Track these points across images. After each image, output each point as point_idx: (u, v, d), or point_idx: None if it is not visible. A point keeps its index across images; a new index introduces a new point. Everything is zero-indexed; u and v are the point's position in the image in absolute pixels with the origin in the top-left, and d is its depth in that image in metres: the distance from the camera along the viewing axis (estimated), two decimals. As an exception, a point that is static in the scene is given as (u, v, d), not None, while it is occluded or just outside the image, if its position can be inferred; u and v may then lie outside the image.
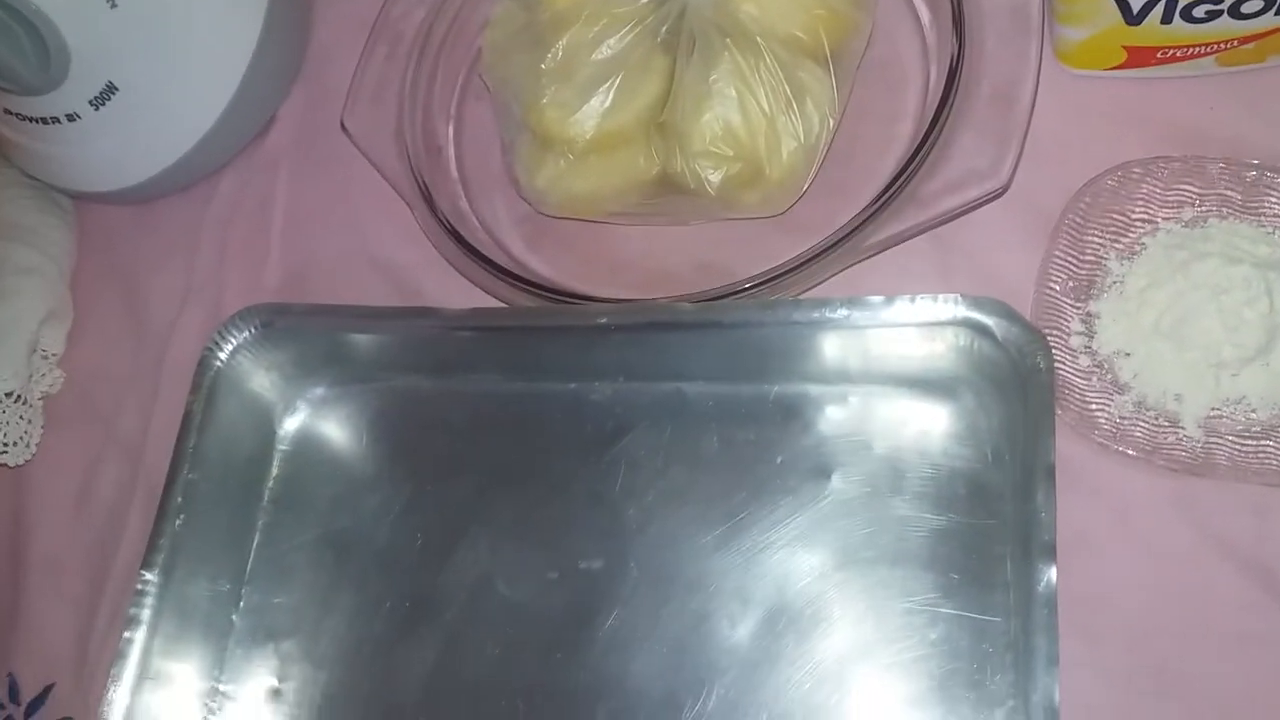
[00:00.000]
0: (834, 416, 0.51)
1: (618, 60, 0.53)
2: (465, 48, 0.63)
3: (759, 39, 0.52)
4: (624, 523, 0.51)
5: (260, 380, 0.56)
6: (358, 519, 0.54)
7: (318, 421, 0.57)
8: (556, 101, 0.53)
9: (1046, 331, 0.48)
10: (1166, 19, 0.50)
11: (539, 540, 0.52)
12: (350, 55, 0.62)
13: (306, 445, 0.57)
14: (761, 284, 0.51)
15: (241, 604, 0.54)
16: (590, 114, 0.53)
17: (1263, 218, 0.50)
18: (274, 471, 0.56)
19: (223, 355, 0.54)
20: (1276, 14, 0.50)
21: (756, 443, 0.52)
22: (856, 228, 0.51)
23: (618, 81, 0.53)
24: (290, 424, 0.57)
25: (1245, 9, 0.49)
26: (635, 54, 0.53)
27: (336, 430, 0.57)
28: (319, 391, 0.57)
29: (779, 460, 0.51)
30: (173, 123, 0.62)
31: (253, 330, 0.54)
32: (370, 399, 0.56)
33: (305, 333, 0.55)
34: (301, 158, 0.66)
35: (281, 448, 0.57)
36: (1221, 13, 0.50)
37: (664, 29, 0.54)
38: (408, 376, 0.56)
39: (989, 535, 0.47)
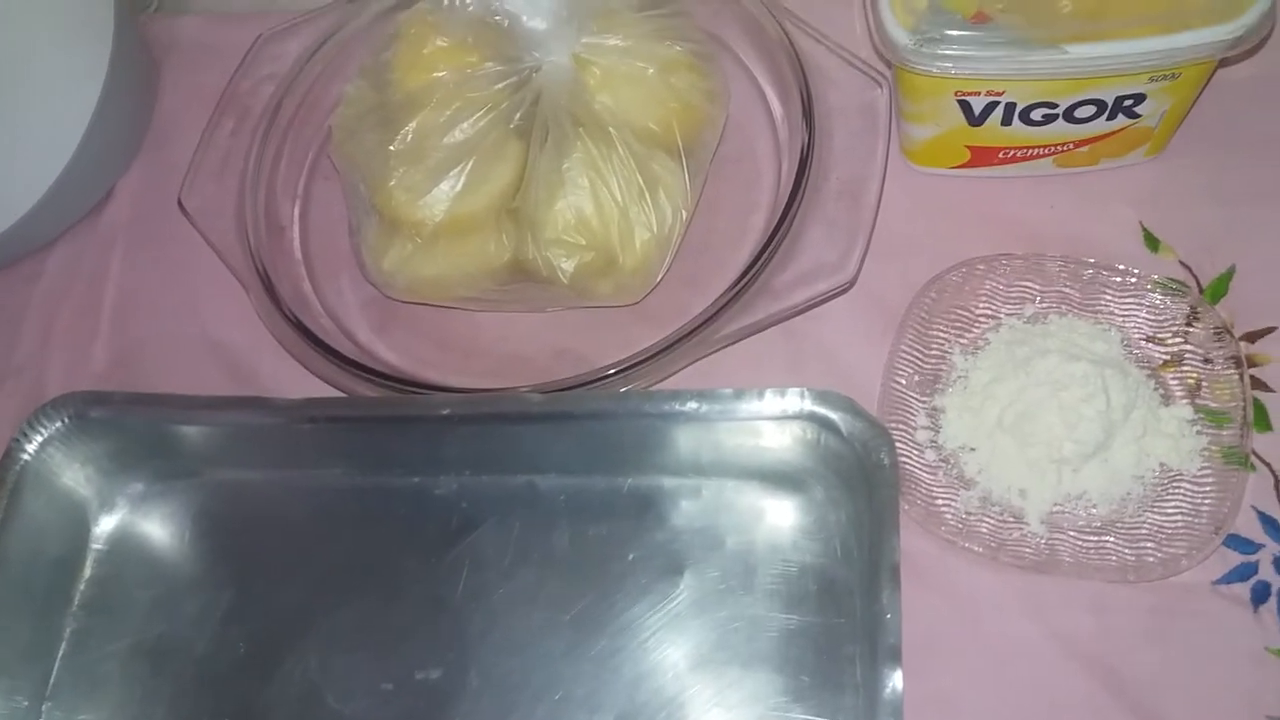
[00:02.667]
0: (687, 510, 0.50)
1: (470, 145, 0.52)
2: (315, 126, 0.61)
3: (612, 129, 0.52)
4: (466, 628, 0.48)
5: (73, 475, 0.52)
6: (177, 625, 0.50)
7: (137, 519, 0.53)
8: (405, 184, 0.52)
9: (892, 426, 0.48)
10: (1006, 121, 0.52)
11: (373, 649, 0.49)
12: (196, 129, 0.60)
13: (124, 545, 0.53)
14: (616, 373, 0.50)
15: (42, 720, 0.49)
16: (440, 197, 0.52)
17: (1099, 315, 0.51)
18: (86, 573, 0.52)
19: (31, 447, 0.50)
20: (1107, 119, 0.52)
21: (608, 539, 0.50)
22: (710, 318, 0.51)
23: (469, 166, 0.52)
24: (106, 522, 0.53)
25: (1078, 114, 0.52)
26: (488, 139, 0.52)
27: (157, 529, 0.53)
28: (139, 487, 0.53)
29: (631, 557, 0.50)
30: (-4, 195, 0.59)
31: (65, 420, 0.50)
32: (195, 495, 0.53)
33: (125, 423, 0.51)
34: (138, 235, 0.63)
35: (96, 547, 0.53)
36: (1057, 117, 0.52)
37: (518, 115, 0.53)
38: (236, 470, 0.53)
39: (839, 635, 0.46)
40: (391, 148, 0.53)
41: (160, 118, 0.66)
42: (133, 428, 0.52)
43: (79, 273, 0.62)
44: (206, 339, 0.58)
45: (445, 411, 0.49)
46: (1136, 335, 0.51)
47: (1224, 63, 0.51)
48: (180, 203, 0.57)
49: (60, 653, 0.50)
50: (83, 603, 0.51)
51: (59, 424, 0.51)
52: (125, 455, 0.52)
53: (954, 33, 0.48)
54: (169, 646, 0.50)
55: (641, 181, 0.52)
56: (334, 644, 0.49)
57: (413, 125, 0.53)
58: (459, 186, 0.52)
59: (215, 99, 0.60)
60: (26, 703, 0.49)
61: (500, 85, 0.53)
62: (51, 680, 0.50)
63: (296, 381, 0.54)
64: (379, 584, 0.50)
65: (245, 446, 0.52)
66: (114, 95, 0.60)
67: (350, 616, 0.49)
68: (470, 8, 0.54)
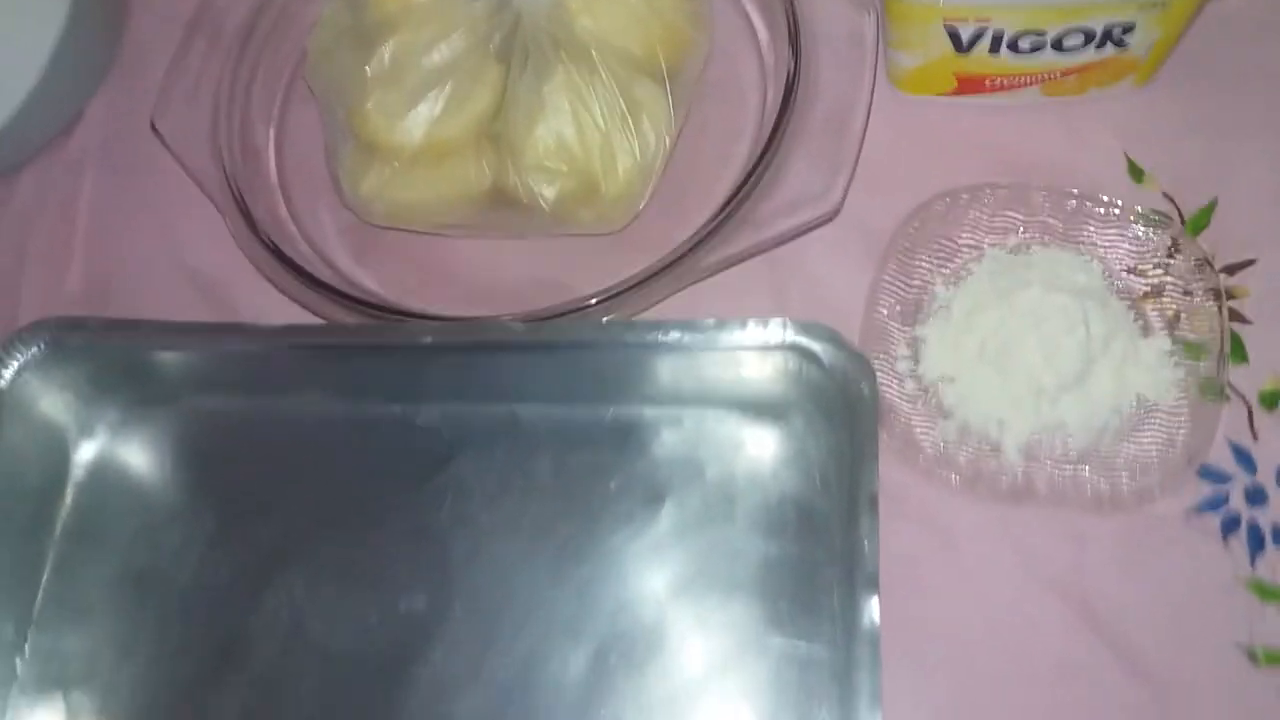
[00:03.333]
0: (668, 439, 0.50)
1: (448, 68, 0.51)
2: (291, 47, 0.60)
3: (594, 53, 0.51)
4: (449, 557, 0.49)
5: (51, 401, 0.51)
6: (160, 555, 0.50)
7: (117, 447, 0.53)
8: (382, 107, 0.51)
9: (873, 355, 0.48)
10: (994, 49, 0.52)
11: (357, 577, 0.49)
12: (168, 50, 0.58)
13: (105, 473, 0.52)
14: (598, 302, 0.50)
15: (27, 649, 0.49)
16: (418, 121, 0.51)
17: (1081, 246, 0.51)
18: (68, 502, 0.52)
19: (7, 374, 0.49)
20: (1096, 49, 0.51)
21: (590, 467, 0.50)
22: (692, 248, 0.50)
23: (448, 89, 0.51)
24: (86, 450, 0.53)
25: (1066, 43, 0.51)
26: (467, 62, 0.51)
27: (138, 456, 0.53)
28: (118, 414, 0.53)
29: (612, 486, 0.50)
30: (-40, 117, 0.57)
31: (41, 346, 0.50)
32: (175, 422, 0.52)
33: (102, 349, 0.50)
34: (110, 158, 0.61)
35: (76, 475, 0.52)
36: (1044, 45, 0.51)
37: (497, 38, 0.52)
38: (216, 397, 0.52)
39: (817, 562, 0.47)
40: (368, 70, 0.52)
41: (130, 38, 0.64)
42: (110, 353, 0.51)
43: (49, 198, 0.61)
44: (183, 265, 0.58)
45: (427, 340, 0.49)
46: (1118, 267, 0.51)
47: (1214, -7, 0.51)
48: (153, 124, 0.56)
49: (44, 581, 0.50)
50: (65, 531, 0.51)
51: (35, 350, 0.50)
52: (103, 381, 0.52)
53: (943, -42, 0.47)
54: (153, 576, 0.50)
55: (624, 106, 0.51)
56: (317, 574, 0.49)
57: (389, 47, 0.52)
58: (437, 109, 0.51)
59: (187, 20, 0.58)
60: (12, 630, 0.49)
61: (479, 7, 0.52)
62: (36, 609, 0.50)
63: (275, 308, 0.53)
64: (361, 513, 0.50)
65: (225, 373, 0.51)
66: (82, 15, 0.59)
67: (333, 545, 0.49)
68: (448, -71, 0.52)
